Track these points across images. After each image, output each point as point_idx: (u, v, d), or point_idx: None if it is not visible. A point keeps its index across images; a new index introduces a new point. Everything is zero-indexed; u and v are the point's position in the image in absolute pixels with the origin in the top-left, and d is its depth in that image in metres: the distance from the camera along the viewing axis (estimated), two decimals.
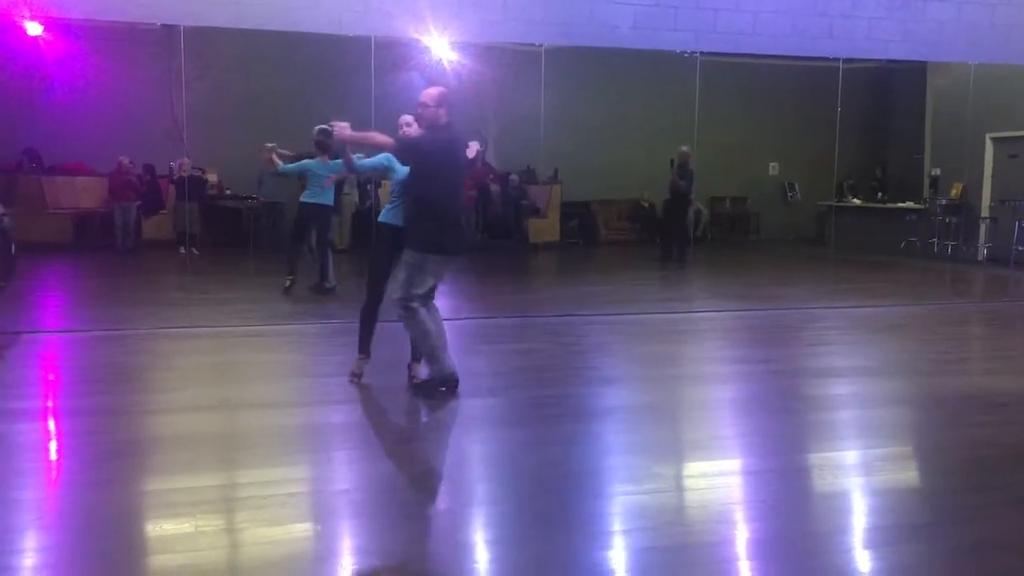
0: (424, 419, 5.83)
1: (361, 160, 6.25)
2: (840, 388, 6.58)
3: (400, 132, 6.00)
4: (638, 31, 9.55)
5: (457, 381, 5.96)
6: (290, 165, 9.64)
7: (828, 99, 13.98)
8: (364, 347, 6.22)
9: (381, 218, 6.08)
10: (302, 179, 9.96)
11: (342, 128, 5.66)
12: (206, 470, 4.63)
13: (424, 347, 5.97)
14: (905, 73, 16.54)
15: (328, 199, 9.88)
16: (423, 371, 6.17)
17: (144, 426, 5.44)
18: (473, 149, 6.06)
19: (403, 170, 5.93)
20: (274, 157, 9.53)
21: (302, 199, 9.78)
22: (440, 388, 5.94)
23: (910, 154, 17.00)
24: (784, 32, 10.15)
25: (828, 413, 5.94)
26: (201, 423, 5.52)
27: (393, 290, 5.94)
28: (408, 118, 6.03)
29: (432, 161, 5.73)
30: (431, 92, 5.81)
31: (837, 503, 4.37)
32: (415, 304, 5.87)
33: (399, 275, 5.89)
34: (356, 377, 6.17)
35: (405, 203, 5.92)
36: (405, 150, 5.78)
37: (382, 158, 6.06)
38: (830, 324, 9.17)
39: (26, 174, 14.35)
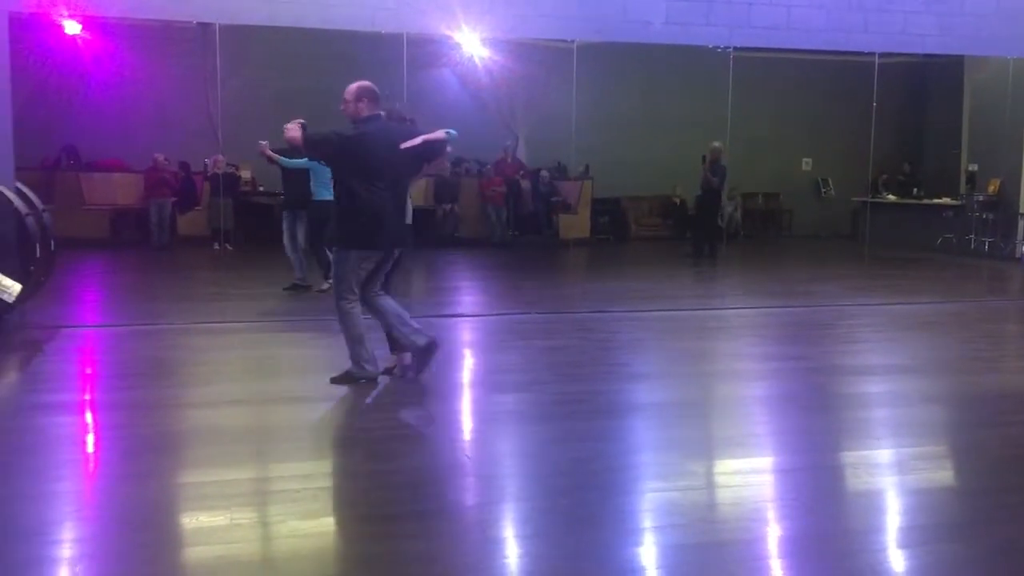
0: (455, 414, 5.86)
1: (291, 159, 6.29)
2: (874, 386, 6.51)
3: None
4: (671, 26, 9.51)
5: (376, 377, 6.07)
6: (293, 160, 9.39)
7: (863, 94, 13.84)
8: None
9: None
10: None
11: (291, 129, 5.74)
12: (240, 463, 4.68)
13: (352, 344, 6.00)
14: (942, 67, 16.28)
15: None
16: (406, 357, 6.24)
17: (180, 419, 5.51)
18: (420, 139, 5.87)
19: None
20: (270, 153, 9.30)
21: (315, 199, 9.57)
22: (353, 382, 6.00)
23: (947, 149, 16.75)
24: (819, 26, 10.06)
25: (862, 411, 5.89)
26: (235, 417, 5.58)
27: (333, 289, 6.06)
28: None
29: (348, 156, 5.75)
30: (351, 87, 5.89)
31: (872, 502, 4.33)
32: (350, 303, 5.92)
33: (335, 273, 6.02)
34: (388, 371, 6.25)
35: (335, 201, 5.95)
36: (310, 146, 5.86)
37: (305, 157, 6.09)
38: (864, 321, 9.08)
39: (64, 171, 14.56)
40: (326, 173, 9.49)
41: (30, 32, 10.30)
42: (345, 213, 5.85)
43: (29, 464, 4.57)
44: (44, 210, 8.18)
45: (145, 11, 8.79)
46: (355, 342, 6.02)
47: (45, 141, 13.99)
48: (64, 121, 14.23)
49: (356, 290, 5.95)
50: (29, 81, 12.28)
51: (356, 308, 5.98)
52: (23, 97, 10.03)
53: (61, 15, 8.79)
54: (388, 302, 6.13)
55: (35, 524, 3.84)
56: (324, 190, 9.50)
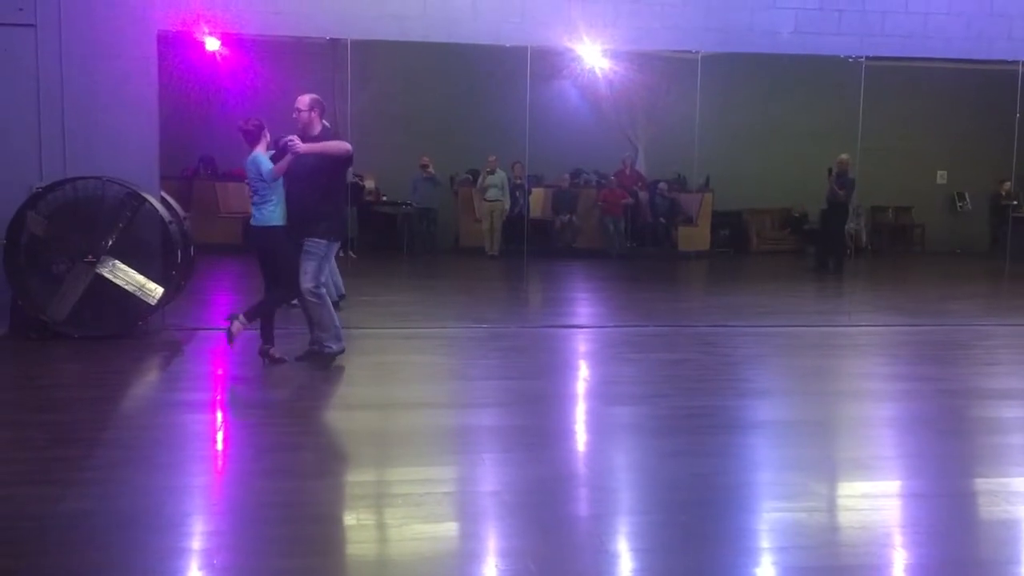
0: (572, 424, 5.87)
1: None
2: (1014, 411, 6.19)
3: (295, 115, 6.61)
4: (799, 36, 9.29)
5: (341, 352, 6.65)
6: None
7: (1004, 104, 13.18)
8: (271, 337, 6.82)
9: (279, 221, 6.51)
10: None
11: (295, 143, 6.27)
12: (365, 466, 4.82)
13: (330, 326, 6.58)
14: None
15: None
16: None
17: (307, 421, 5.71)
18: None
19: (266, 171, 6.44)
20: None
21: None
22: (330, 362, 6.60)
23: None
24: (958, 34, 9.65)
25: (1001, 436, 5.61)
26: (361, 420, 5.74)
27: (304, 282, 6.48)
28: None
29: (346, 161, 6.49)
30: (303, 98, 6.58)
31: (1009, 532, 4.12)
32: (323, 290, 6.57)
33: (307, 266, 6.46)
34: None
35: (304, 197, 6.42)
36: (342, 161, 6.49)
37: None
38: (1003, 342, 8.64)
39: (202, 180, 15.28)
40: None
41: (174, 49, 10.87)
42: (329, 209, 6.48)
43: (168, 459, 4.82)
44: (184, 218, 8.60)
45: (280, 28, 9.15)
46: (330, 320, 6.56)
47: (185, 152, 14.71)
48: (203, 133, 14.93)
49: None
50: (172, 95, 12.94)
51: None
52: (166, 110, 10.55)
53: (203, 32, 9.22)
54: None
55: (175, 516, 4.04)
56: None
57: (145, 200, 7.71)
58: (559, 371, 7.47)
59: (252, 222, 6.63)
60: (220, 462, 4.94)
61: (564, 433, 5.68)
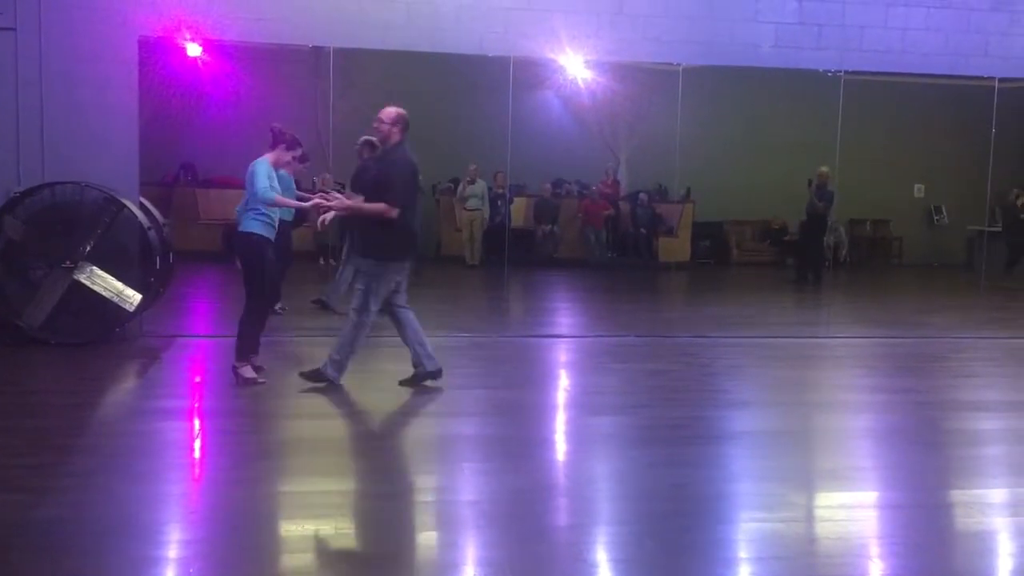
0: (553, 435, 5.87)
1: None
2: (990, 423, 6.25)
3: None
4: (780, 50, 9.35)
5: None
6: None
7: (981, 119, 13.33)
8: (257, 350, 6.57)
9: (262, 232, 6.39)
10: None
11: (335, 205, 6.40)
12: (344, 475, 4.80)
13: (343, 349, 6.32)
14: None
15: None
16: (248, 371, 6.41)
17: (287, 428, 5.68)
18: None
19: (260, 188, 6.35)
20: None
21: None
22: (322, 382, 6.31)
23: None
24: (936, 50, 9.75)
25: (976, 448, 5.66)
26: (339, 430, 5.72)
27: (353, 300, 6.35)
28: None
29: (405, 182, 6.24)
30: (389, 111, 6.36)
31: (984, 543, 4.16)
32: (369, 316, 6.27)
33: (360, 286, 6.31)
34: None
35: (362, 218, 6.32)
36: (399, 191, 6.18)
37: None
38: (979, 355, 8.72)
39: (182, 186, 15.21)
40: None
41: (155, 55, 10.81)
42: (385, 230, 6.17)
43: (145, 466, 4.78)
44: (164, 224, 8.55)
45: (262, 34, 9.11)
46: (349, 347, 6.31)
47: (165, 158, 14.64)
48: (184, 139, 14.87)
49: (380, 303, 6.27)
50: (153, 101, 12.88)
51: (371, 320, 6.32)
52: (147, 115, 10.50)
53: (185, 38, 9.19)
54: (410, 315, 6.46)
55: (151, 524, 4.01)
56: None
57: (124, 206, 7.67)
58: (540, 381, 7.47)
59: (238, 227, 6.51)
60: (197, 470, 4.90)
61: (544, 443, 5.68)
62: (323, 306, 9.74)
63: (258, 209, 6.38)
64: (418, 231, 6.72)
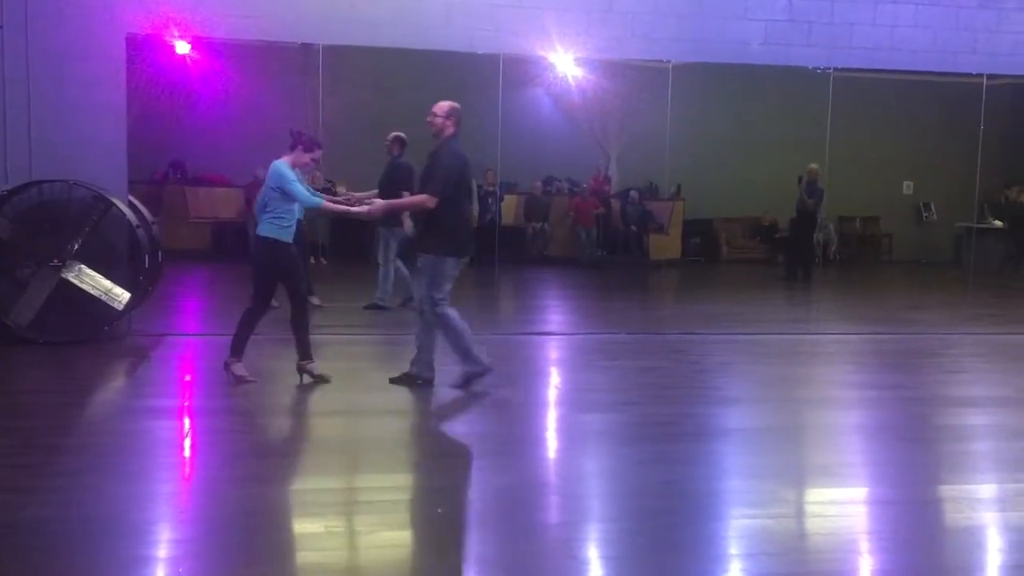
0: (543, 432, 5.87)
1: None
2: (978, 418, 6.28)
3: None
4: (769, 47, 9.37)
5: (490, 371, 6.33)
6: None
7: (969, 116, 13.38)
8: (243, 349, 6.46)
9: (283, 237, 6.26)
10: None
11: (375, 204, 6.38)
12: (335, 473, 4.79)
13: (458, 348, 6.28)
14: None
15: None
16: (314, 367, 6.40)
17: (277, 427, 5.67)
18: None
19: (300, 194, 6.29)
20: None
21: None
22: (474, 381, 6.29)
23: None
24: (924, 47, 9.78)
25: (965, 444, 5.68)
26: (330, 427, 5.71)
27: (423, 300, 6.31)
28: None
29: (459, 176, 6.20)
30: (442, 104, 6.34)
31: (973, 538, 4.17)
32: (444, 308, 6.20)
33: (422, 284, 6.30)
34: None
35: (417, 213, 6.33)
36: (442, 194, 6.08)
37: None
38: (968, 351, 8.76)
39: (171, 185, 15.14)
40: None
41: (143, 52, 10.77)
42: (444, 224, 6.14)
43: (134, 466, 4.77)
44: (152, 222, 8.51)
45: (251, 32, 9.08)
46: (463, 340, 6.25)
47: (154, 156, 14.56)
48: (172, 137, 14.79)
49: (445, 292, 6.24)
50: (141, 99, 12.82)
51: (453, 312, 6.27)
52: (135, 113, 10.45)
53: (173, 36, 9.15)
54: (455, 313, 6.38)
55: (140, 524, 3.99)
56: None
57: (112, 204, 7.63)
58: (530, 378, 7.47)
59: (257, 231, 6.36)
60: (186, 469, 4.89)
61: (535, 440, 5.68)
62: (377, 308, 9.85)
63: (275, 212, 6.26)
64: (471, 226, 6.77)
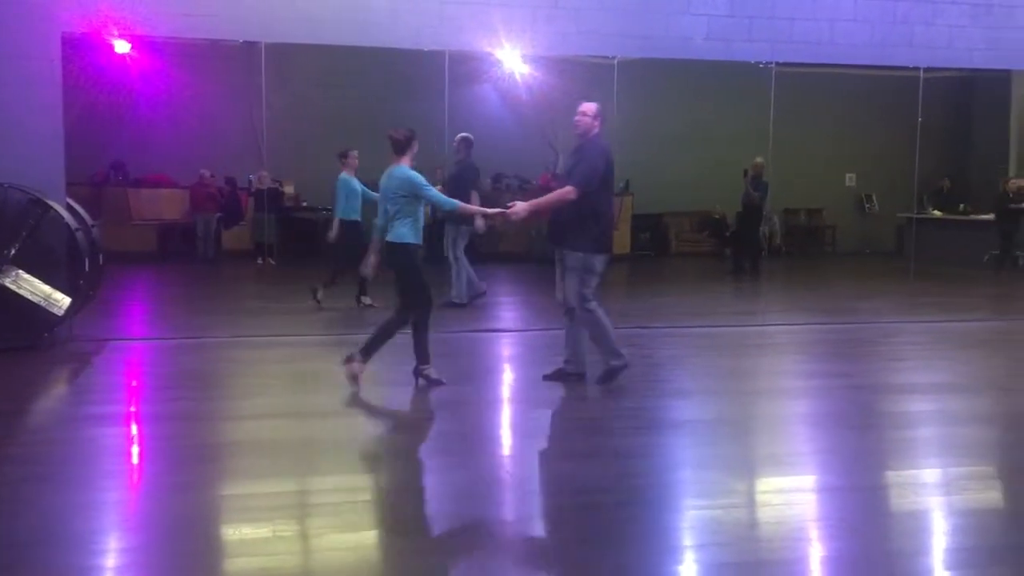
0: (495, 428, 5.86)
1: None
2: (921, 405, 6.41)
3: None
4: (712, 42, 9.48)
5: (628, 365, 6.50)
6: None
7: (907, 109, 13.67)
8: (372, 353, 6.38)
9: (412, 239, 6.25)
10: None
11: (518, 205, 6.31)
12: (283, 476, 4.73)
13: (604, 343, 6.43)
14: (988, 82, 16.06)
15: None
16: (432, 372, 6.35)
17: (224, 432, 5.58)
18: None
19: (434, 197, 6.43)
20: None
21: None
22: (617, 376, 6.44)
23: (993, 165, 16.48)
24: (863, 41, 9.97)
25: (909, 430, 5.79)
26: (278, 430, 5.63)
27: (569, 298, 6.42)
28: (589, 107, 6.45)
29: (604, 171, 6.29)
30: (590, 105, 6.45)
31: (918, 523, 4.26)
32: (593, 304, 6.36)
33: (568, 282, 6.38)
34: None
35: (560, 210, 6.30)
36: (583, 176, 6.19)
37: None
38: (910, 339, 8.94)
39: (113, 186, 14.85)
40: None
41: (81, 51, 10.54)
42: (584, 222, 6.24)
43: (77, 474, 4.66)
44: (93, 225, 8.33)
45: (192, 30, 8.94)
46: (606, 338, 6.38)
47: (94, 157, 14.27)
48: (113, 137, 14.51)
49: (593, 290, 6.38)
50: (79, 98, 12.54)
51: (600, 309, 6.46)
52: (73, 114, 10.23)
53: (112, 35, 8.96)
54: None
55: (84, 533, 3.90)
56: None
57: (50, 207, 7.45)
58: (484, 375, 7.46)
59: (387, 237, 6.30)
60: (131, 477, 4.79)
61: (488, 437, 5.67)
62: (455, 306, 9.92)
63: (410, 216, 6.22)
64: (614, 223, 6.81)
